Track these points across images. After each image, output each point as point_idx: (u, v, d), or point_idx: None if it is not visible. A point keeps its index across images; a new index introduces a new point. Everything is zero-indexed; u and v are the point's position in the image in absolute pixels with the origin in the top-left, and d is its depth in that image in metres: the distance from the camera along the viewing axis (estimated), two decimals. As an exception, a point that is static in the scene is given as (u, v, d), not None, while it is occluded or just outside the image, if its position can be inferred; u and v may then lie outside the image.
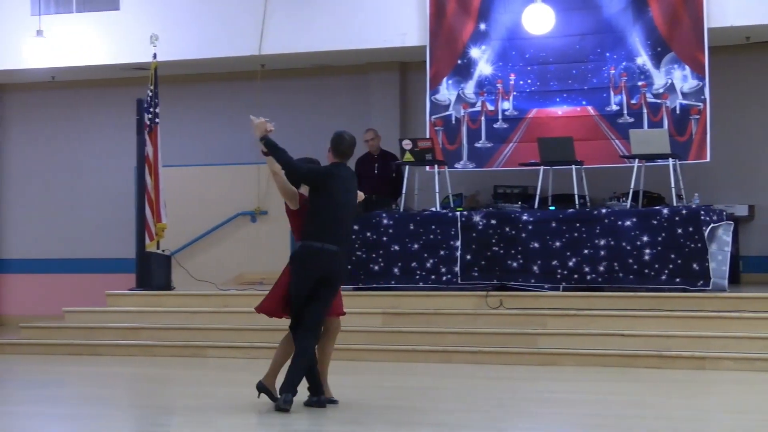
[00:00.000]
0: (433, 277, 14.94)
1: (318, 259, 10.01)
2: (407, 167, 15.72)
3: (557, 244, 14.51)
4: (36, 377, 13.61)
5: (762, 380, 12.29)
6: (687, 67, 15.52)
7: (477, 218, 14.86)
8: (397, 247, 15.06)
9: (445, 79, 16.51)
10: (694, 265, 13.98)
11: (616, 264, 14.28)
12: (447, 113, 16.51)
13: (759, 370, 12.76)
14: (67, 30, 17.96)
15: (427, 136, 16.20)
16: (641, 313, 13.81)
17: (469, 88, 16.44)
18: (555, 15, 15.89)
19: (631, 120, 15.74)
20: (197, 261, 17.57)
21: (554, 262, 14.50)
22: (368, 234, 15.15)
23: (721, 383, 12.29)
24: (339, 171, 10.21)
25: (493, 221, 14.79)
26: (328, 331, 10.34)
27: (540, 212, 14.87)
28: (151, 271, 16.08)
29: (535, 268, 14.56)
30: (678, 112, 15.55)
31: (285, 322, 10.39)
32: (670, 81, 15.62)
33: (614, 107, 15.85)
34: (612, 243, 14.31)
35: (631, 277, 14.24)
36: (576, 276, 14.44)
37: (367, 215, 15.30)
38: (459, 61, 16.47)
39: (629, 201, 14.85)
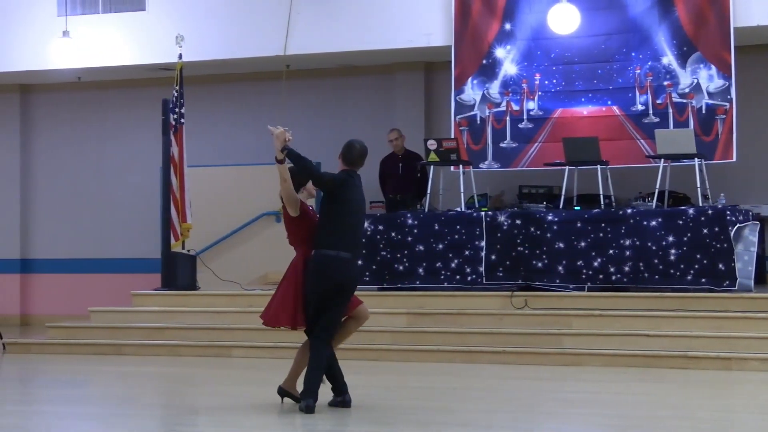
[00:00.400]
0: (458, 277, 14.93)
1: (333, 268, 10.03)
2: (432, 167, 15.73)
3: (582, 244, 14.48)
4: (62, 377, 13.68)
5: (788, 381, 12.26)
6: (713, 66, 15.47)
7: (502, 218, 14.85)
8: (421, 248, 15.05)
9: (470, 79, 16.49)
10: (720, 266, 13.93)
11: (641, 264, 14.24)
12: (472, 113, 16.49)
13: (785, 370, 12.73)
14: (93, 31, 18.01)
15: (452, 136, 16.19)
16: (666, 314, 13.78)
17: (494, 88, 16.42)
18: (580, 15, 15.86)
19: (657, 120, 15.69)
20: (222, 261, 17.58)
21: (579, 263, 14.47)
22: (393, 234, 15.14)
23: (746, 384, 12.24)
24: (353, 179, 10.26)
25: (518, 221, 14.77)
26: (358, 319, 10.36)
27: (565, 212, 14.84)
28: (177, 271, 16.11)
29: (560, 268, 14.53)
30: (704, 111, 15.50)
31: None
32: (695, 81, 15.56)
33: (640, 107, 15.81)
34: (637, 243, 14.27)
35: (656, 277, 14.20)
36: (601, 276, 14.40)
37: (391, 215, 15.30)
38: (484, 61, 16.45)
39: (655, 201, 14.80)
